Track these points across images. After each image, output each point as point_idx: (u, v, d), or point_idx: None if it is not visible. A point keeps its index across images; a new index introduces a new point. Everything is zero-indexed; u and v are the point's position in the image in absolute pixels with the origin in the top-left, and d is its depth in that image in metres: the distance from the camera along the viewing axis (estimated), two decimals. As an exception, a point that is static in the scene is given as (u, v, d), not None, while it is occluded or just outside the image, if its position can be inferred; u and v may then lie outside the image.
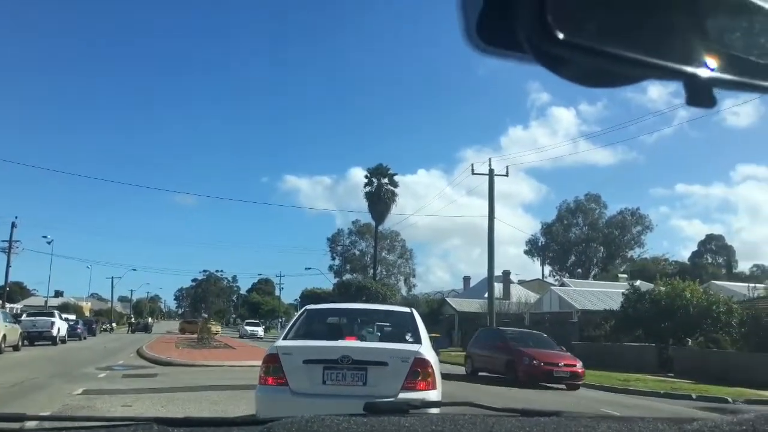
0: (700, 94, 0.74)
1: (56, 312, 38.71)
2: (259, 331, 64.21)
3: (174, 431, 1.31)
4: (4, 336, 25.45)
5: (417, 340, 6.56)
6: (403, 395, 5.65)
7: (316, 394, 5.89)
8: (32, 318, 34.54)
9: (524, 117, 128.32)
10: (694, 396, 15.58)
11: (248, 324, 69.31)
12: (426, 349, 6.29)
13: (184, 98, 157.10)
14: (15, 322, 28.68)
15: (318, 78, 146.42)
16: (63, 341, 35.59)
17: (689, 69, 0.72)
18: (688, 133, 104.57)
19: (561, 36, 0.66)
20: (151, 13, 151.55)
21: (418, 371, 5.98)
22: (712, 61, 0.74)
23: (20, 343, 27.95)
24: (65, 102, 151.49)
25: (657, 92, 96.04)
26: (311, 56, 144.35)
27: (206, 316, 44.58)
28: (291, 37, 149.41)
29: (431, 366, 6.09)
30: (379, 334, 7.07)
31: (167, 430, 1.30)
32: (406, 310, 7.62)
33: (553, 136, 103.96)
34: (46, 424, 1.61)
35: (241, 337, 59.40)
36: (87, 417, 1.79)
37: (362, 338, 6.80)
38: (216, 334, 58.34)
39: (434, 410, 1.92)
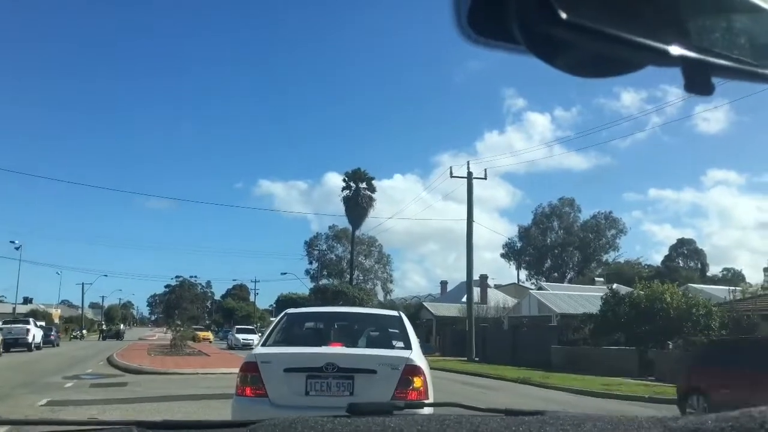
0: (699, 81, 0.75)
1: (31, 320, 40.16)
2: (256, 339, 44.19)
3: None
4: None
5: (407, 345, 6.09)
6: None
7: (298, 405, 5.39)
8: (8, 325, 35.62)
9: (500, 122, 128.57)
10: (679, 400, 15.31)
11: (240, 331, 51.86)
12: (417, 356, 5.83)
13: (156, 101, 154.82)
14: None
15: (293, 83, 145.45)
16: (38, 347, 36.97)
17: (689, 54, 0.72)
18: (661, 138, 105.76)
19: (564, 17, 0.66)
20: (123, 13, 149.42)
21: (409, 379, 5.52)
22: (711, 48, 0.74)
23: (1, 350, 29.60)
24: (32, 103, 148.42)
25: (630, 98, 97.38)
26: (286, 61, 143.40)
27: (179, 323, 43.04)
28: (266, 41, 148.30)
29: (423, 373, 5.64)
30: (365, 339, 6.59)
31: None
32: (394, 313, 7.16)
33: (529, 141, 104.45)
34: (25, 429, 1.42)
35: (231, 348, 46.07)
36: (62, 421, 1.61)
37: (348, 344, 6.31)
38: (210, 342, 58.11)
39: (419, 411, 1.88)
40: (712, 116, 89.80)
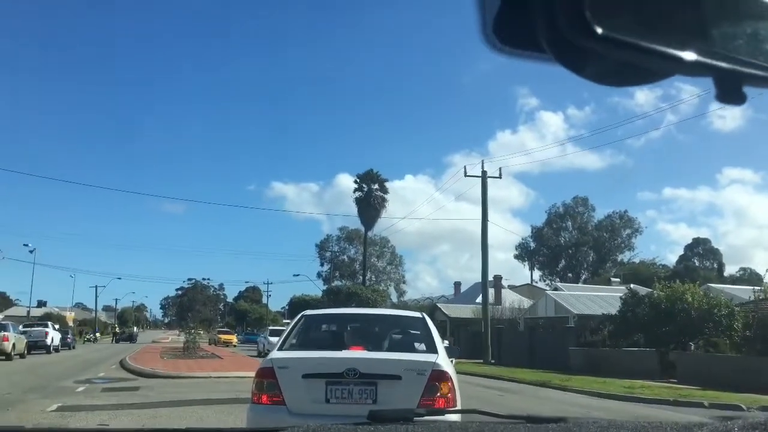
0: (731, 91, 0.75)
1: (50, 323, 42.11)
2: None
3: None
4: (14, 345, 29.27)
5: (432, 349, 5.72)
6: None
7: (317, 414, 5.03)
8: (28, 329, 37.24)
9: (513, 122, 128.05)
10: (706, 404, 14.88)
11: (275, 333, 40.52)
12: (443, 360, 5.45)
13: (170, 103, 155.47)
14: (22, 333, 32.95)
15: (304, 84, 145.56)
16: (57, 350, 38.52)
17: (720, 64, 0.73)
18: (676, 136, 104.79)
19: (600, 31, 0.67)
20: (135, 15, 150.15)
21: (436, 385, 5.15)
22: (742, 57, 0.75)
23: (26, 352, 31.81)
24: (45, 105, 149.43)
25: (644, 97, 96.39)
26: (298, 62, 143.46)
27: (192, 325, 43.10)
28: (278, 42, 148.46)
29: (451, 379, 5.26)
30: (388, 342, 6.22)
31: None
32: (418, 315, 6.78)
33: (542, 140, 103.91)
34: None
35: (261, 354, 38.15)
36: (85, 429, 1.14)
37: (369, 348, 5.95)
38: (234, 346, 53.53)
39: (439, 418, 1.83)
40: (728, 114, 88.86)
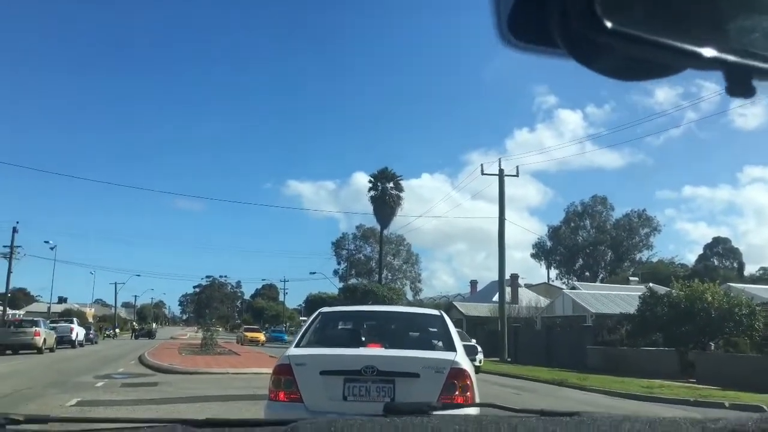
0: (741, 85, 0.76)
1: (75, 320, 44.66)
2: None
3: (198, 431, 1.29)
4: (45, 340, 31.30)
5: (450, 347, 5.68)
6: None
7: (335, 411, 5.03)
8: (55, 325, 38.79)
9: (530, 120, 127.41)
10: (726, 404, 14.69)
11: None
12: (462, 358, 5.42)
13: (186, 101, 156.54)
14: (52, 329, 34.99)
15: (320, 82, 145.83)
16: (81, 345, 40.57)
17: (730, 58, 0.73)
18: (696, 134, 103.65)
19: (609, 25, 0.68)
20: (156, 11, 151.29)
21: (455, 384, 5.12)
22: (751, 51, 0.75)
23: (55, 346, 33.79)
24: (67, 103, 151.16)
25: (664, 94, 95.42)
26: (313, 60, 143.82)
27: (210, 321, 43.17)
28: (294, 40, 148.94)
29: (469, 377, 5.23)
30: (406, 340, 6.20)
31: (192, 431, 1.28)
32: (435, 312, 6.74)
33: (560, 138, 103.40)
34: (71, 426, 1.58)
35: None
36: (110, 419, 1.65)
37: (387, 345, 5.93)
38: (261, 344, 49.09)
39: (455, 411, 1.84)
40: (750, 111, 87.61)
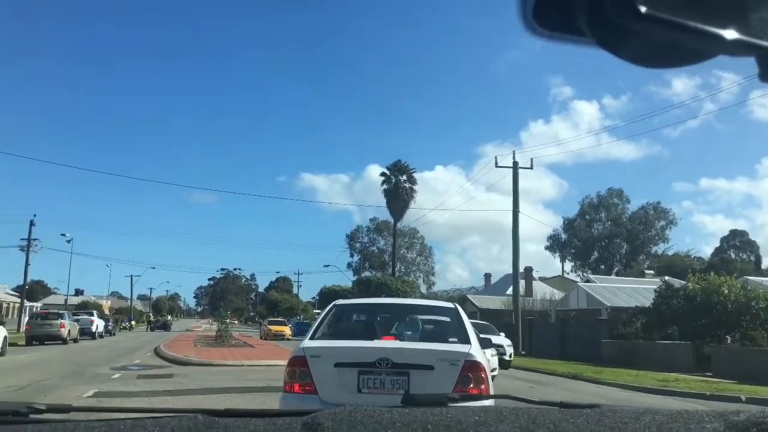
0: None
1: (95, 312, 47.25)
2: None
3: (219, 421, 1.29)
4: (69, 331, 33.39)
5: (465, 339, 5.67)
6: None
7: (350, 404, 5.04)
8: (76, 317, 40.27)
9: (546, 111, 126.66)
10: (743, 398, 14.57)
11: None
12: (477, 350, 5.40)
13: (202, 94, 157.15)
14: (75, 321, 37.21)
15: (335, 75, 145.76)
16: (101, 336, 43.21)
17: (764, 43, 0.72)
18: (714, 125, 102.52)
19: (644, 10, 0.67)
20: (168, 5, 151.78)
21: (469, 376, 5.11)
22: None
23: (78, 337, 36.05)
24: (84, 97, 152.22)
25: (682, 85, 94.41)
26: (328, 53, 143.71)
27: (227, 313, 42.73)
28: (309, 32, 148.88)
29: (484, 370, 5.22)
30: (420, 332, 6.19)
31: (212, 421, 1.28)
32: (450, 305, 6.73)
33: (576, 130, 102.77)
34: (92, 416, 1.54)
35: None
36: (132, 408, 1.64)
37: (401, 338, 5.92)
38: (287, 338, 44.78)
39: (473, 403, 1.83)
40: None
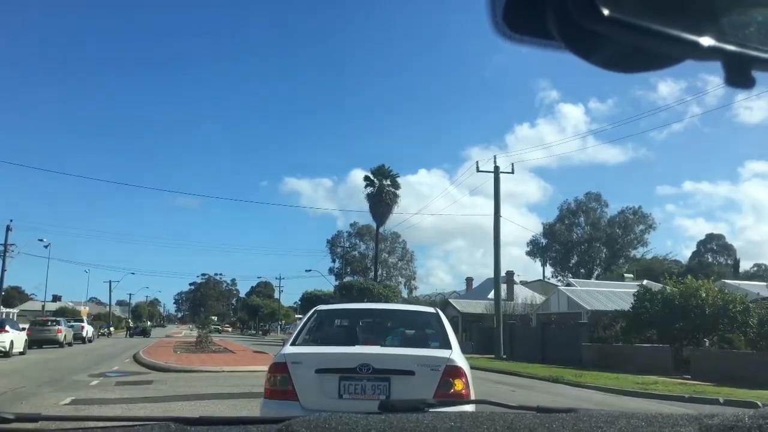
0: (739, 74, 0.75)
1: (84, 318, 52.28)
2: None
3: (191, 430, 1.30)
4: (65, 336, 37.33)
5: (446, 344, 5.67)
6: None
7: (330, 409, 5.02)
8: (70, 324, 43.02)
9: (532, 115, 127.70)
10: (721, 400, 14.73)
11: None
12: (458, 356, 5.41)
13: (183, 99, 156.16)
14: (70, 327, 41.08)
15: (318, 79, 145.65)
16: (90, 341, 47.09)
17: (728, 48, 0.72)
18: (700, 129, 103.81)
19: (606, 13, 0.67)
20: (149, 11, 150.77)
21: (450, 381, 5.11)
22: (750, 41, 0.74)
23: (72, 341, 39.66)
24: (61, 102, 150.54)
25: (667, 89, 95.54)
26: (311, 57, 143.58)
27: (211, 318, 43.47)
28: (290, 38, 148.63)
29: (465, 375, 5.22)
30: (401, 338, 6.19)
31: (185, 429, 1.29)
32: (431, 310, 6.74)
33: (562, 134, 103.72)
34: (65, 425, 1.57)
35: None
36: (102, 417, 1.62)
37: (383, 343, 5.92)
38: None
39: (451, 408, 1.85)
40: (755, 105, 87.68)
